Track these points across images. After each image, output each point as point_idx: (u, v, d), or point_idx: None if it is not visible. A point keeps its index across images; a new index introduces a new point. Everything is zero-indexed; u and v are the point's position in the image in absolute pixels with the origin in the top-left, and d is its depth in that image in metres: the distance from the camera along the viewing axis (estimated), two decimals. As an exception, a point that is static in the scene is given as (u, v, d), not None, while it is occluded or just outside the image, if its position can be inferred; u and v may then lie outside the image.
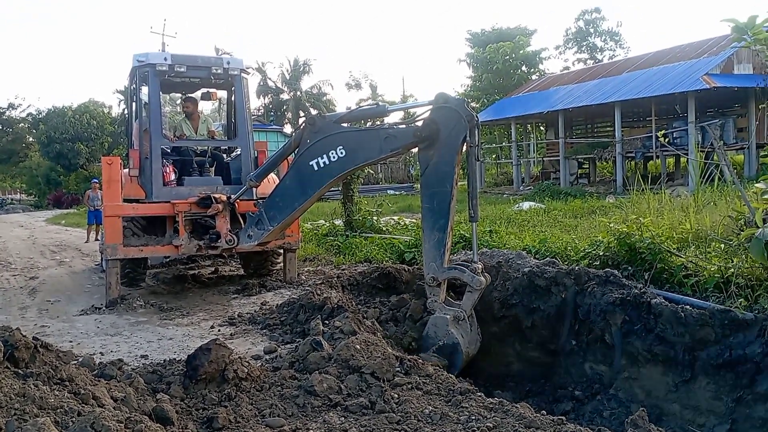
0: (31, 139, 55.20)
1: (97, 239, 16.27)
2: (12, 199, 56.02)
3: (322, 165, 6.56)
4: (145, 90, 9.20)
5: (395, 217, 15.46)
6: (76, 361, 4.98)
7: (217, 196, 8.29)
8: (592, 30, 50.71)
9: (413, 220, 14.26)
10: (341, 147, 6.43)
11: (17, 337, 4.06)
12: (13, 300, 9.12)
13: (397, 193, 31.91)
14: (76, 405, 3.48)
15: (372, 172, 36.61)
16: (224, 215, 8.26)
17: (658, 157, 24.95)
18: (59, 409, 3.36)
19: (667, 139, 16.99)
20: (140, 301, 8.29)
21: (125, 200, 8.47)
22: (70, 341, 6.53)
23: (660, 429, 3.75)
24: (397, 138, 6.16)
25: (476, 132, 5.71)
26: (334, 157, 6.48)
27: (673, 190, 11.62)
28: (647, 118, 27.30)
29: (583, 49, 51.30)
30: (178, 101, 19.59)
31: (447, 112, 5.73)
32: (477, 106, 41.81)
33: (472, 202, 5.78)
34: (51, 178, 46.85)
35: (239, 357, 4.82)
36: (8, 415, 3.15)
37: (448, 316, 5.64)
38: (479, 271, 5.68)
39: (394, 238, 11.69)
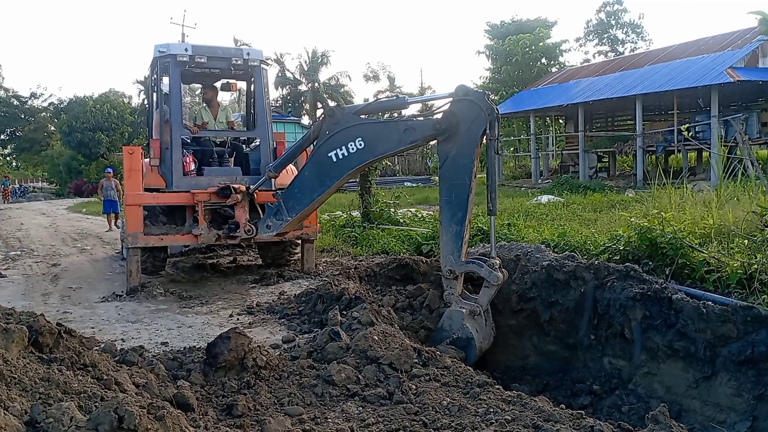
0: (52, 128, 55.93)
1: (117, 226, 16.36)
2: (34, 187, 56.82)
3: (341, 156, 6.57)
4: (165, 80, 9.27)
5: (412, 209, 15.45)
6: (98, 347, 5.05)
7: (236, 186, 8.34)
8: (613, 22, 50.15)
9: (430, 212, 14.25)
10: (360, 139, 6.43)
11: (41, 322, 4.13)
12: (36, 286, 9.27)
13: (414, 185, 31.86)
14: (99, 390, 3.53)
15: (389, 163, 36.60)
16: (243, 205, 8.32)
17: (679, 151, 24.63)
18: (83, 394, 3.42)
19: (690, 133, 16.79)
20: (160, 289, 8.39)
21: (146, 189, 8.56)
22: (92, 327, 6.63)
23: (681, 425, 3.72)
24: (417, 130, 6.14)
25: (496, 125, 5.66)
26: (353, 149, 6.48)
27: (694, 184, 11.48)
28: (669, 112, 26.94)
29: (604, 41, 50.79)
30: (198, 92, 19.68)
31: (467, 105, 5.70)
32: (496, 98, 41.53)
33: (491, 195, 5.75)
34: (72, 166, 47.40)
35: (258, 346, 4.86)
36: (33, 399, 3.21)
37: (464, 310, 5.64)
38: (497, 266, 5.65)
39: (411, 230, 11.68)
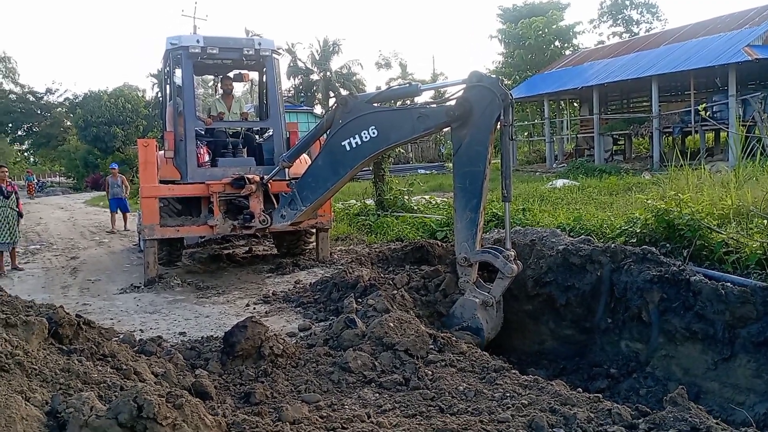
0: (68, 123, 56.36)
1: (126, 228, 15.73)
2: (51, 182, 57.41)
3: (354, 145, 6.56)
4: (178, 72, 9.31)
5: (426, 196, 15.41)
6: (117, 338, 5.11)
7: (250, 176, 8.36)
8: (627, 2, 49.30)
9: (444, 199, 14.21)
10: (374, 127, 6.41)
11: (61, 314, 4.18)
12: (55, 279, 9.39)
13: (427, 172, 31.77)
14: (118, 380, 3.58)
15: (402, 151, 36.48)
16: (257, 195, 8.34)
17: (697, 132, 24.28)
18: (102, 384, 3.47)
19: (707, 113, 16.55)
20: (177, 279, 8.46)
21: (161, 182, 8.61)
22: (111, 318, 6.71)
23: (699, 407, 3.69)
24: (430, 117, 6.11)
25: (510, 111, 5.61)
26: (366, 137, 6.47)
27: (712, 165, 11.32)
28: (686, 92, 26.56)
29: (618, 22, 49.97)
30: (211, 83, 19.64)
31: (480, 91, 5.65)
32: (509, 82, 41.14)
33: (506, 181, 5.71)
34: (88, 161, 47.82)
35: (275, 334, 4.89)
36: (53, 389, 3.26)
37: (477, 300, 5.62)
38: (512, 258, 5.61)
39: (425, 217, 11.66)
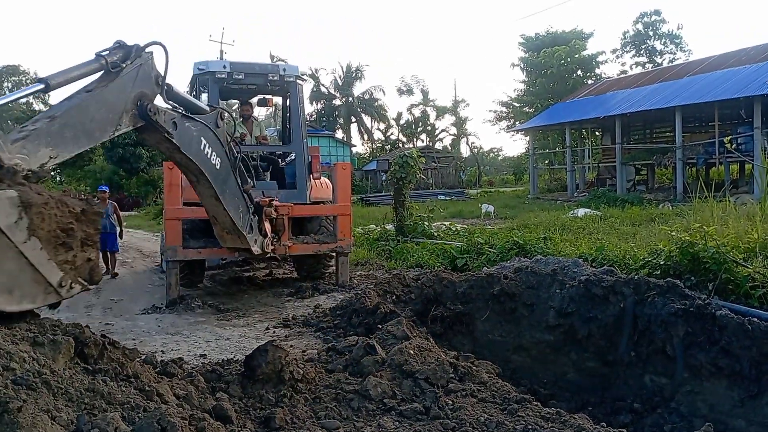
0: (95, 143, 57.50)
1: (114, 274, 11.76)
2: (77, 202, 58.22)
3: None
4: (204, 97, 9.48)
5: (446, 223, 15.42)
6: (140, 359, 5.14)
7: (258, 199, 8.36)
8: (651, 33, 49.41)
9: (464, 226, 14.19)
10: None
11: (87, 334, 4.22)
12: (78, 298, 9.44)
13: (447, 198, 31.82)
14: (141, 401, 3.60)
15: (423, 177, 36.60)
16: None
17: (721, 163, 24.06)
18: (126, 405, 3.49)
19: (732, 145, 16.42)
20: (198, 301, 8.52)
21: (185, 204, 8.72)
22: (133, 339, 6.77)
23: (726, 445, 3.62)
24: None
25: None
26: None
27: (737, 197, 11.19)
28: (710, 123, 26.39)
29: (641, 52, 50.04)
30: (234, 107, 19.90)
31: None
32: (531, 110, 41.28)
33: None
34: (114, 181, 48.64)
35: (295, 358, 4.89)
36: (79, 409, 3.29)
37: None
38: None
39: (445, 244, 11.65)
